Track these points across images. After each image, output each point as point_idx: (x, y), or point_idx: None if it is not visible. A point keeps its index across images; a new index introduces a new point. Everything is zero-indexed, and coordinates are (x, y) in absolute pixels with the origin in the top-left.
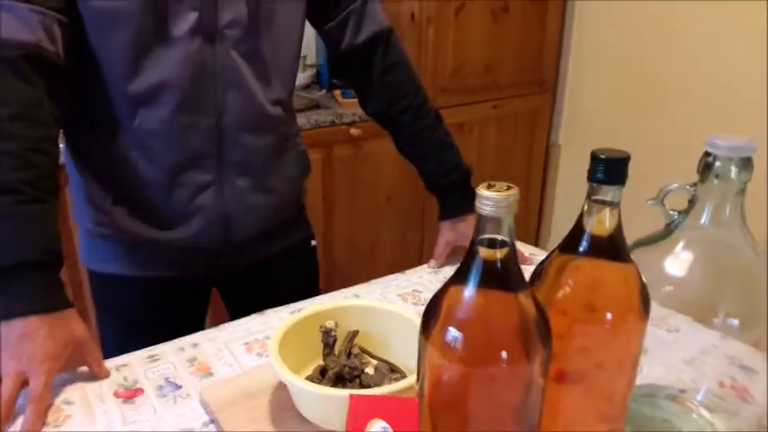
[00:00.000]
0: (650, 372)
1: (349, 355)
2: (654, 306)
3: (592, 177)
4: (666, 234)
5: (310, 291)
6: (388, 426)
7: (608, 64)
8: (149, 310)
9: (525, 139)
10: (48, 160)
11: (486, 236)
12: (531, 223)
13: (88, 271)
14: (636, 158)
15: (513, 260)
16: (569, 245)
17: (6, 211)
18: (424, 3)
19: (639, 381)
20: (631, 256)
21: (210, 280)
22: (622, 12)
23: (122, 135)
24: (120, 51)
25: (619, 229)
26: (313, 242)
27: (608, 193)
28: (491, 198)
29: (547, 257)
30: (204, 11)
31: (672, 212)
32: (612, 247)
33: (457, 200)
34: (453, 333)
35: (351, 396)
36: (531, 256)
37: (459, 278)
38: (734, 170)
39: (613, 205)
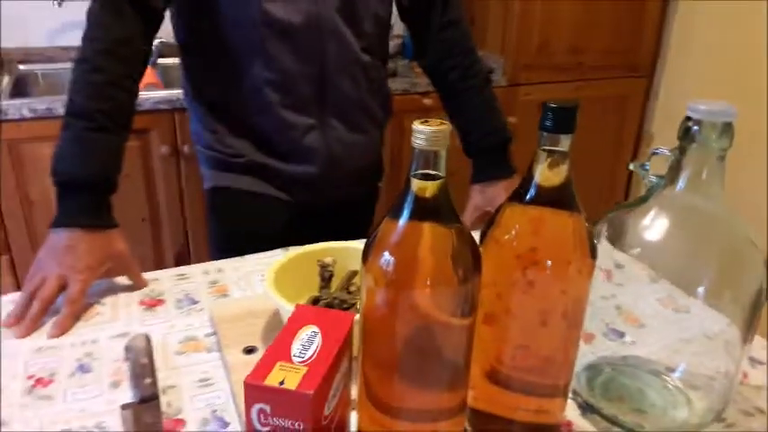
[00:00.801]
0: (644, 346)
1: (345, 291)
2: (665, 286)
3: (541, 126)
4: (645, 198)
5: (363, 233)
6: (318, 330)
7: (711, 51)
8: (262, 224)
9: (613, 125)
10: (125, 96)
11: (421, 171)
12: None
13: (208, 192)
14: (737, 150)
15: (444, 194)
16: (518, 193)
17: (77, 134)
18: None
19: (628, 352)
20: (608, 220)
21: (318, 208)
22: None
23: (239, 84)
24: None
25: (568, 178)
26: (380, 184)
27: (557, 142)
28: (423, 131)
29: (500, 206)
30: None
31: (652, 178)
32: (560, 197)
33: (490, 163)
34: (384, 258)
35: (297, 305)
36: None
37: (395, 210)
38: (713, 135)
39: (562, 154)
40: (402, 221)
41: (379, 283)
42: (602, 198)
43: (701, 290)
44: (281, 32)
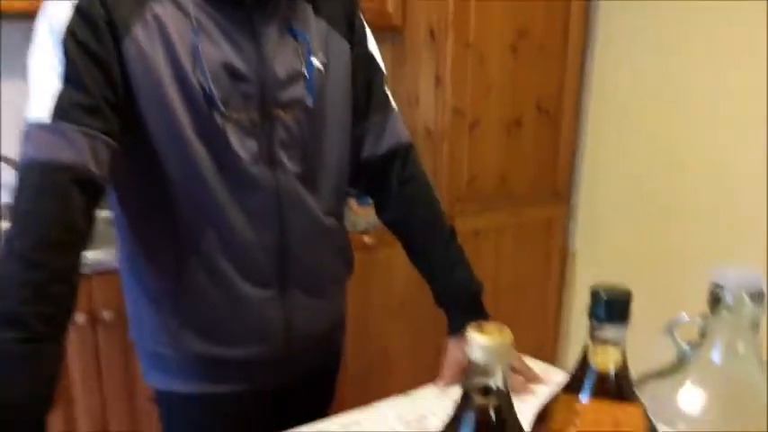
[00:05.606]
0: None
1: None
2: None
3: (593, 315)
4: (678, 368)
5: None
6: None
7: (620, 173)
8: (218, 427)
9: (542, 246)
10: (70, 290)
11: (479, 383)
12: (548, 336)
13: (154, 392)
14: (649, 267)
15: (507, 407)
16: (573, 384)
17: (4, 347)
18: (439, 118)
19: None
20: (643, 390)
21: (273, 392)
22: (632, 129)
23: (190, 259)
24: (185, 175)
25: (624, 367)
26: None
27: (610, 331)
28: (481, 345)
29: (552, 397)
30: (263, 140)
31: (683, 345)
32: (617, 387)
33: (465, 318)
34: None
35: None
36: (546, 376)
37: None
38: (745, 304)
39: (617, 343)
40: None
41: None
42: (536, 317)
43: None
44: (237, 200)
